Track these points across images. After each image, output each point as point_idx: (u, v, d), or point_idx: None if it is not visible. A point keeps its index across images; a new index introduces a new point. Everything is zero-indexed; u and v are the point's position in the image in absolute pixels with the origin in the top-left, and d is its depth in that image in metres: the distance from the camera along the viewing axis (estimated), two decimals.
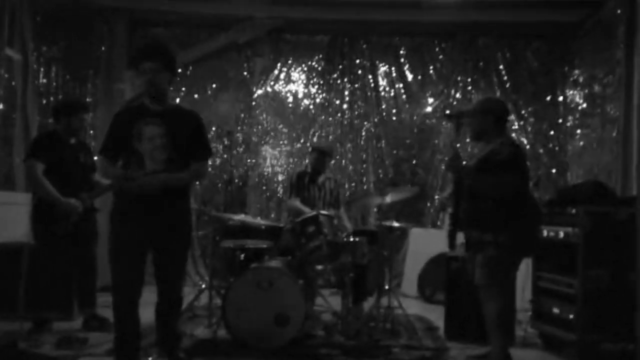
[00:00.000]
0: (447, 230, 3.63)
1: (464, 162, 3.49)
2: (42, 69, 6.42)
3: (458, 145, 3.56)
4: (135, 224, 3.05)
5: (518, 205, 3.26)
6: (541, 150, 6.94)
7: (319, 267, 4.24)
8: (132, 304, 3.12)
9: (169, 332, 3.32)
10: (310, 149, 5.47)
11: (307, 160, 5.47)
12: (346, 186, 7.11)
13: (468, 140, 6.58)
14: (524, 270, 4.29)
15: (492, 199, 3.23)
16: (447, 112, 3.67)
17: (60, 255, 4.26)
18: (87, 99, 6.56)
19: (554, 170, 6.91)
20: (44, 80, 6.47)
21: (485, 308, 3.31)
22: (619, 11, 5.67)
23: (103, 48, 6.83)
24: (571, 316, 3.79)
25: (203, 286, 5.03)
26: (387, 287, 4.61)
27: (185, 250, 3.33)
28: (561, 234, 3.96)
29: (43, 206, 4.08)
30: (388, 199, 4.54)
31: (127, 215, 3.08)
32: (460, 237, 3.57)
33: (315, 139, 7.18)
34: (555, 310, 3.98)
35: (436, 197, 7.01)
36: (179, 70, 7.12)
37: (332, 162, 7.05)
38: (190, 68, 7.19)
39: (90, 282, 4.38)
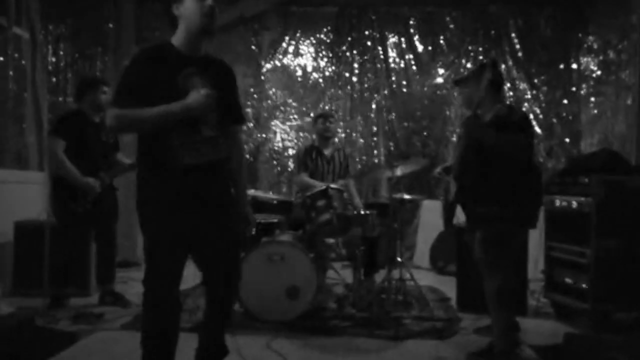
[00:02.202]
0: (444, 207, 3.49)
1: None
2: (50, 48, 6.41)
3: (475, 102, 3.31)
4: (186, 209, 2.35)
5: (523, 176, 3.08)
6: (554, 120, 6.86)
7: (330, 240, 4.26)
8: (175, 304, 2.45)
9: (217, 346, 2.68)
10: (313, 120, 5.36)
11: (313, 135, 5.40)
12: (357, 159, 7.10)
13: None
14: (537, 240, 4.28)
15: (499, 170, 3.03)
16: (456, 79, 3.49)
17: (79, 233, 4.33)
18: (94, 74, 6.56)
19: (567, 140, 6.84)
20: (53, 59, 6.46)
21: (485, 283, 3.16)
22: None
23: (111, 25, 6.80)
24: (584, 285, 3.79)
25: None
26: (398, 259, 4.63)
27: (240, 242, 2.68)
28: (574, 204, 3.93)
29: (62, 184, 4.13)
30: (399, 171, 4.52)
31: (175, 197, 2.34)
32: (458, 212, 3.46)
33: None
34: (568, 280, 3.98)
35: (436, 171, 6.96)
36: None
37: (343, 135, 7.04)
38: None
39: (110, 258, 4.45)
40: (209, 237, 2.46)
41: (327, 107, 7.18)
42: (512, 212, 3.05)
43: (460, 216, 3.36)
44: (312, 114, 7.16)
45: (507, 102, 3.44)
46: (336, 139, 6.34)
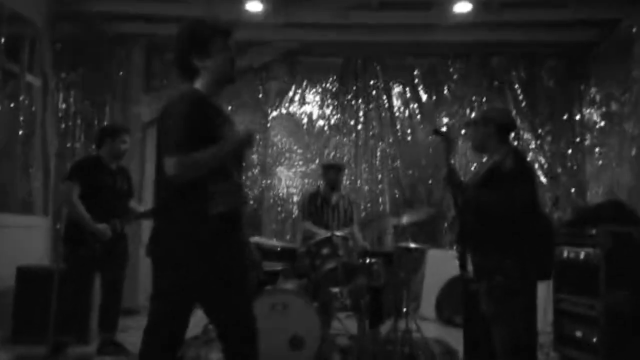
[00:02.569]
0: (457, 252, 3.44)
1: (462, 178, 3.27)
2: (61, 94, 6.52)
3: (453, 162, 3.28)
4: (216, 256, 2.28)
5: (526, 224, 2.91)
6: (559, 170, 6.87)
7: (335, 289, 4.19)
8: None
9: None
10: (322, 168, 5.40)
11: (320, 182, 5.41)
12: (362, 207, 7.08)
13: (468, 152, 6.61)
14: (545, 292, 4.21)
15: (495, 218, 2.90)
16: (436, 128, 3.43)
17: (84, 279, 4.29)
18: (105, 123, 6.64)
19: (573, 190, 6.83)
20: (63, 105, 6.57)
21: (495, 336, 2.99)
22: (634, 30, 5.64)
23: (120, 73, 6.93)
24: (594, 339, 3.70)
25: None
26: (404, 309, 4.55)
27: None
28: (581, 255, 3.89)
29: (74, 228, 4.13)
30: (404, 220, 4.50)
31: (208, 244, 2.27)
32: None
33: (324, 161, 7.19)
34: (578, 333, 3.90)
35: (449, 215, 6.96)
36: None
37: (348, 182, 7.04)
38: None
39: (115, 307, 4.39)
40: (233, 287, 2.38)
41: (332, 155, 7.22)
42: (513, 263, 2.88)
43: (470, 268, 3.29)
44: (317, 161, 7.21)
45: (515, 146, 3.30)
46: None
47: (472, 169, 7.00)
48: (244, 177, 2.52)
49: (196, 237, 2.26)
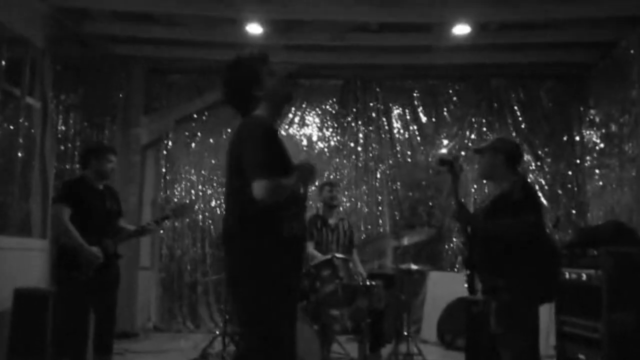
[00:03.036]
0: (466, 275, 3.45)
1: (469, 209, 3.38)
2: (60, 117, 6.52)
3: (459, 191, 3.38)
4: (292, 278, 2.47)
5: (532, 248, 3.04)
6: (560, 191, 6.86)
7: (335, 312, 4.14)
8: None
9: None
10: (319, 188, 5.39)
11: (318, 204, 5.35)
12: (362, 228, 7.05)
13: (473, 179, 6.61)
14: (547, 314, 4.17)
15: (503, 244, 3.03)
16: (441, 155, 3.49)
17: (79, 302, 4.23)
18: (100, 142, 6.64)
19: (573, 211, 6.81)
20: (63, 127, 6.55)
21: (503, 357, 3.05)
22: (632, 51, 5.68)
23: (120, 95, 6.96)
24: None
25: (217, 332, 4.95)
26: (405, 332, 4.50)
27: None
28: (583, 276, 3.86)
29: (66, 251, 4.09)
30: (405, 241, 4.47)
31: (288, 266, 2.41)
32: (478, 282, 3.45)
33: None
34: (581, 356, 3.84)
35: (454, 239, 6.92)
36: (195, 116, 7.26)
37: (348, 204, 7.02)
38: (206, 113, 7.28)
39: (109, 329, 4.32)
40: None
41: (332, 177, 7.21)
42: (517, 283, 2.99)
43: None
44: (317, 183, 7.18)
45: (523, 175, 3.43)
46: (340, 208, 6.32)
47: (474, 191, 7.02)
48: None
49: (276, 258, 2.35)
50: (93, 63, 6.70)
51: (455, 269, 6.85)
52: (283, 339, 2.35)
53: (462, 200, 3.40)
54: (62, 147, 6.52)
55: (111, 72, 6.91)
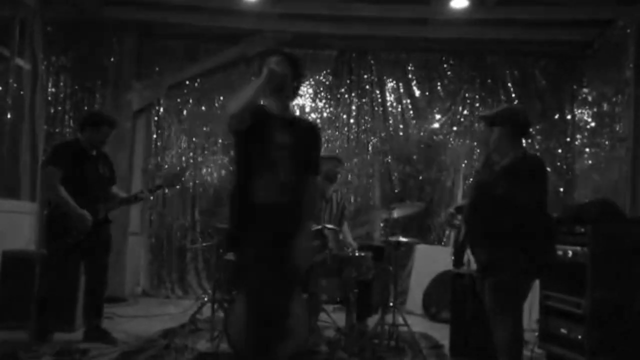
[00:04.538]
0: (454, 247, 3.44)
1: (460, 183, 3.32)
2: (50, 79, 6.44)
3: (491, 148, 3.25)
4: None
5: (535, 224, 3.00)
6: (549, 169, 6.88)
7: (324, 281, 4.19)
8: None
9: None
10: (324, 159, 5.29)
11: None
12: (352, 200, 7.07)
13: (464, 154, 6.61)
14: (532, 289, 4.22)
15: (508, 215, 2.95)
16: (482, 114, 3.39)
17: (68, 266, 4.25)
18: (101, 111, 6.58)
19: (561, 189, 6.87)
20: (53, 90, 6.49)
21: (497, 332, 3.05)
22: (628, 31, 5.67)
23: (112, 59, 6.86)
24: (579, 337, 3.73)
25: (205, 299, 4.99)
26: (391, 303, 4.56)
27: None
28: (569, 253, 3.91)
29: (56, 215, 4.08)
30: (395, 214, 4.50)
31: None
32: (467, 255, 3.44)
33: (322, 153, 7.16)
34: (563, 331, 3.92)
35: (442, 213, 6.97)
36: (187, 83, 7.17)
37: (339, 176, 7.01)
38: (199, 80, 7.21)
39: (99, 294, 4.35)
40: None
41: (323, 148, 7.18)
42: (522, 260, 2.95)
43: (469, 259, 3.31)
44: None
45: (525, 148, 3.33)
46: None
47: (464, 166, 7.05)
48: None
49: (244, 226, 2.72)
50: (84, 25, 6.60)
51: (443, 243, 6.92)
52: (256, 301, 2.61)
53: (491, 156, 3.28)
54: (52, 110, 6.46)
55: (103, 35, 6.80)
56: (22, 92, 5.80)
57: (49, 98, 6.40)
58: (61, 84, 6.59)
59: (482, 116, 3.45)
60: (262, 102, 2.77)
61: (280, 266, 2.60)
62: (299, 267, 2.66)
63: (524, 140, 3.37)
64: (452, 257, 3.34)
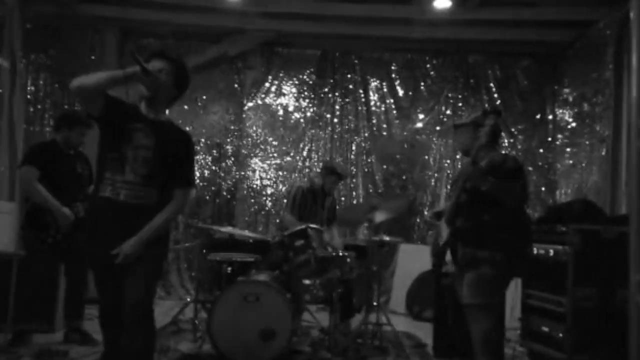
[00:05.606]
0: (434, 249, 3.45)
1: (443, 184, 3.39)
2: (30, 77, 6.35)
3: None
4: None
5: (515, 222, 3.14)
6: (530, 168, 6.96)
7: (307, 281, 4.18)
8: None
9: None
10: (328, 171, 5.07)
11: (319, 179, 5.12)
12: (336, 200, 7.06)
13: (442, 148, 6.66)
14: (513, 288, 4.25)
15: (491, 214, 3.08)
16: (455, 123, 3.46)
17: (47, 265, 4.19)
18: (75, 108, 6.49)
19: (543, 189, 6.93)
20: (32, 88, 6.40)
21: (473, 328, 3.16)
22: (608, 32, 5.73)
23: (93, 57, 6.78)
24: (560, 335, 3.76)
25: (188, 299, 4.96)
26: (375, 303, 4.56)
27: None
28: (551, 252, 3.94)
29: (35, 214, 4.02)
30: (378, 214, 4.50)
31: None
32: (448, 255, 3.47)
33: (305, 153, 7.16)
34: (545, 329, 3.95)
35: (425, 213, 7.00)
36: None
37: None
38: None
39: (79, 294, 4.29)
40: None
41: (307, 148, 7.19)
42: (502, 257, 3.06)
43: (448, 261, 3.34)
44: (292, 153, 7.16)
45: (502, 151, 3.43)
46: None
47: (447, 166, 7.09)
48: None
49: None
50: (64, 23, 6.52)
51: (426, 242, 6.95)
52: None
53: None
54: (32, 109, 6.37)
55: (83, 33, 6.72)
56: (0, 90, 5.71)
57: (28, 96, 6.31)
58: (41, 82, 6.51)
59: (457, 124, 3.51)
60: (136, 103, 2.73)
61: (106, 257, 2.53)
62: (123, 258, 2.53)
63: (506, 141, 3.47)
64: (432, 260, 3.39)
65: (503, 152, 3.38)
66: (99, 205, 2.63)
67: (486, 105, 7.07)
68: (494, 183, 3.03)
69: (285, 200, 5.56)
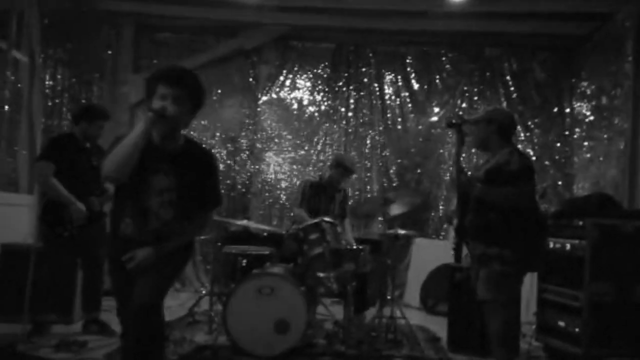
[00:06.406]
0: (454, 244, 3.50)
1: (469, 174, 3.42)
2: (48, 71, 6.43)
3: (462, 156, 3.43)
4: None
5: (525, 218, 3.15)
6: (547, 162, 6.90)
7: (321, 274, 4.19)
8: None
9: None
10: (334, 163, 5.10)
11: (328, 173, 5.15)
12: (350, 194, 7.06)
13: (473, 150, 6.61)
14: (529, 282, 4.24)
15: (498, 212, 3.12)
16: (451, 120, 3.52)
17: (64, 258, 4.25)
18: (92, 101, 6.56)
19: (560, 182, 6.86)
20: (50, 82, 6.48)
21: (490, 323, 3.20)
22: (627, 24, 5.65)
23: (109, 52, 6.85)
24: (577, 329, 3.74)
25: (204, 292, 5.00)
26: (389, 296, 4.57)
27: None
28: (567, 246, 3.91)
29: (51, 208, 4.08)
30: (393, 207, 4.50)
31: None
32: (465, 250, 3.50)
33: (319, 147, 7.16)
34: (561, 323, 3.93)
35: (441, 207, 6.97)
36: None
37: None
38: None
39: (96, 286, 4.35)
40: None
41: (321, 141, 7.19)
42: (511, 254, 3.09)
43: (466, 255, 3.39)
44: (307, 147, 7.16)
45: (517, 146, 3.49)
46: None
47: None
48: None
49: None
50: (81, 18, 6.57)
51: (441, 237, 6.93)
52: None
53: (463, 165, 3.42)
54: (50, 103, 6.45)
55: (100, 28, 6.78)
56: (19, 85, 5.78)
57: (47, 90, 6.38)
58: (58, 76, 6.58)
59: (468, 120, 3.54)
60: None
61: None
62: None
63: (522, 135, 3.54)
64: (453, 252, 3.42)
65: (518, 147, 3.38)
66: (120, 244, 2.54)
67: (502, 98, 7.02)
68: (481, 190, 3.14)
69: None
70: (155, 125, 2.45)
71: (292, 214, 5.81)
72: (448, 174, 7.05)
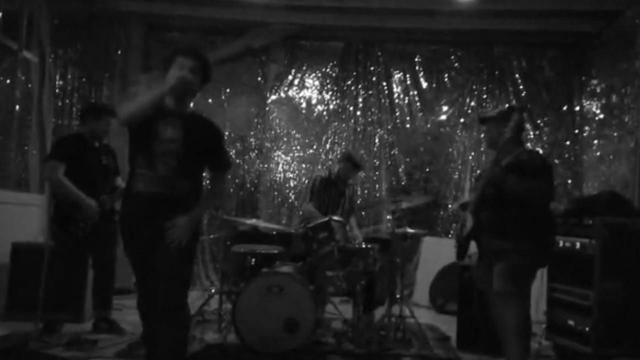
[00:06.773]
0: (459, 240, 3.47)
1: (467, 176, 3.47)
2: (58, 72, 6.47)
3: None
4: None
5: (541, 214, 3.21)
6: (557, 161, 6.87)
7: (330, 273, 4.20)
8: None
9: None
10: (343, 158, 5.17)
11: (336, 168, 5.19)
12: (358, 193, 7.07)
13: (466, 142, 6.63)
14: (539, 281, 4.21)
15: (519, 206, 3.15)
16: (482, 116, 3.55)
17: (76, 257, 4.28)
18: (103, 102, 6.60)
19: (569, 181, 6.83)
20: (60, 83, 6.51)
21: (504, 317, 3.19)
22: (637, 21, 5.61)
23: (119, 52, 6.88)
24: (586, 329, 3.72)
25: (213, 291, 5.02)
26: (398, 295, 4.57)
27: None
28: (577, 245, 3.90)
29: (63, 207, 4.11)
30: (401, 206, 4.50)
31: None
32: (472, 248, 3.48)
33: (328, 146, 7.16)
34: (570, 323, 3.91)
35: (449, 206, 6.96)
36: None
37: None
38: None
39: (107, 285, 4.39)
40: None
41: (330, 140, 7.19)
42: (528, 247, 3.13)
43: (471, 253, 3.39)
44: (315, 146, 7.17)
45: (527, 147, 3.53)
46: None
47: (471, 159, 7.03)
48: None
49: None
50: (91, 18, 6.61)
51: (450, 235, 6.91)
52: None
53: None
54: (60, 103, 6.48)
55: (109, 28, 6.81)
56: (29, 85, 5.82)
57: (57, 91, 6.42)
58: (69, 76, 6.61)
59: (484, 118, 3.54)
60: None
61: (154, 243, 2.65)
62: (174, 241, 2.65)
63: (532, 134, 3.56)
64: (455, 250, 3.41)
65: (528, 147, 3.40)
66: (133, 201, 2.73)
67: (511, 96, 7.00)
68: (517, 184, 3.11)
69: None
70: (175, 90, 2.69)
71: (300, 212, 5.83)
72: (457, 173, 7.04)
